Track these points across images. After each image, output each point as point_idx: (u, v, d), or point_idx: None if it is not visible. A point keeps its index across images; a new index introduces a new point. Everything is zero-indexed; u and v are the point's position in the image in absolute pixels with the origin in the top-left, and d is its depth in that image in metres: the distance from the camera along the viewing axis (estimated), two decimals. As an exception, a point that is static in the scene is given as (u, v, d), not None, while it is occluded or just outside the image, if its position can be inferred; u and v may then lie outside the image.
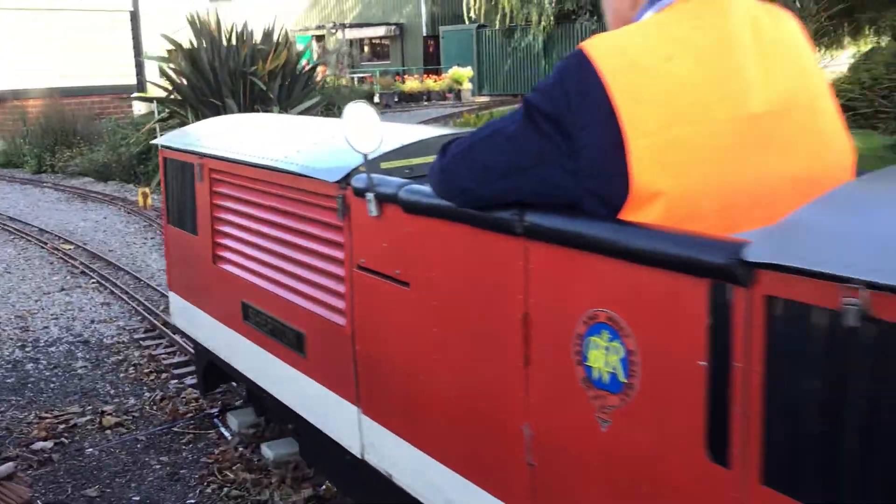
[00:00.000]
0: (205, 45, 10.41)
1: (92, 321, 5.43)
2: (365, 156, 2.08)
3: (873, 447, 1.09)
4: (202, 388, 3.87)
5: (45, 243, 7.78)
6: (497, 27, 28.96)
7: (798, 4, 8.51)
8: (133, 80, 15.64)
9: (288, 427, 3.39)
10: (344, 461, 2.48)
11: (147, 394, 4.22)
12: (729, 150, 1.45)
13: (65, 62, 15.45)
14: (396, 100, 26.77)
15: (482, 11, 28.06)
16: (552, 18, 27.21)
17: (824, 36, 19.14)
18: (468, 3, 28.04)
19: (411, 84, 28.01)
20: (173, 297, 3.81)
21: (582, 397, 1.53)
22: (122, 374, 4.51)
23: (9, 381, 4.48)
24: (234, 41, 10.61)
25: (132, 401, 4.15)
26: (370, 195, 2.10)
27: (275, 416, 3.25)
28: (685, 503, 1.36)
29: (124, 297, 5.84)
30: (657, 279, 1.36)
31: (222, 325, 3.25)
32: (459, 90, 28.12)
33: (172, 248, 3.73)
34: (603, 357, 1.49)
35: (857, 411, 1.11)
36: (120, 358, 4.75)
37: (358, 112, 2.08)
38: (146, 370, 4.53)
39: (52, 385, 4.41)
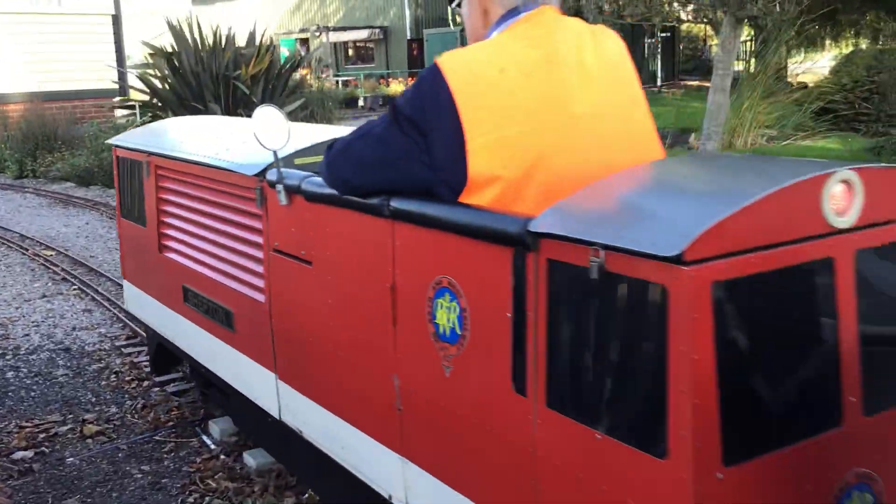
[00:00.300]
0: (186, 50, 10.36)
1: (73, 328, 5.39)
2: (274, 152, 2.42)
3: (617, 372, 1.47)
4: (153, 369, 4.25)
5: (27, 249, 7.72)
6: (481, 30, 28.86)
7: (778, 8, 8.57)
8: (115, 85, 15.53)
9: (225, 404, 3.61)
10: (267, 423, 2.86)
11: (128, 402, 4.19)
12: (552, 146, 1.77)
13: (46, 67, 15.35)
14: (381, 103, 26.74)
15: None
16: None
17: (805, 39, 19.27)
18: (449, 8, 27.97)
19: (396, 87, 28.00)
20: (127, 286, 4.13)
21: (432, 350, 1.90)
22: (103, 382, 4.48)
23: (-12, 389, 4.44)
24: (216, 45, 10.57)
25: (113, 409, 4.12)
26: (279, 187, 2.45)
27: (213, 394, 3.46)
28: (501, 427, 1.74)
29: (106, 303, 5.81)
30: (479, 249, 1.74)
31: (167, 309, 3.59)
32: (444, 93, 28.02)
33: (125, 239, 4.09)
34: (446, 315, 1.86)
35: (605, 345, 1.48)
36: (101, 365, 4.72)
37: (267, 114, 2.39)
38: (128, 378, 4.50)
39: (32, 393, 4.38)
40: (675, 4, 13.03)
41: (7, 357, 4.92)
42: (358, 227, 2.15)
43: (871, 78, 14.46)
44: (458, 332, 1.82)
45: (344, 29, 33.06)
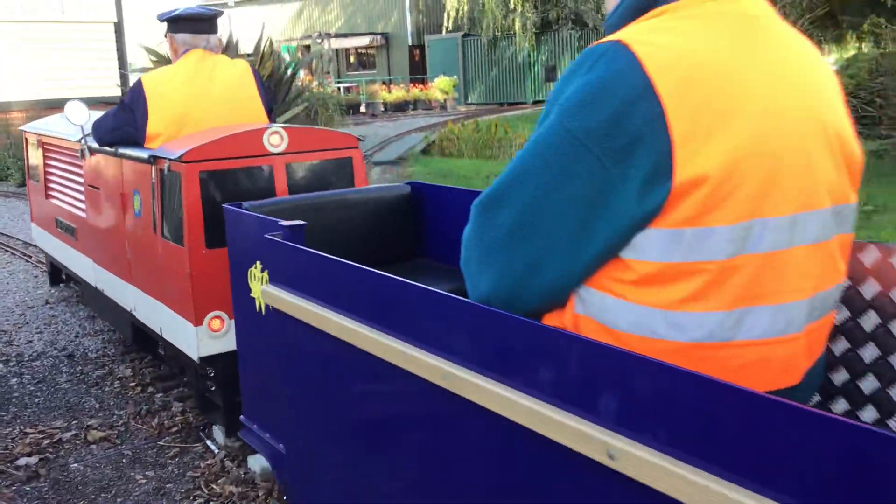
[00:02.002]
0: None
1: (76, 335, 5.39)
2: (81, 126, 4.36)
3: (173, 215, 3.51)
4: (50, 281, 6.25)
5: (30, 257, 7.72)
6: (482, 37, 29.02)
7: (781, 11, 8.57)
8: (119, 91, 15.57)
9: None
10: (91, 289, 4.91)
11: (132, 408, 4.18)
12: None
13: (48, 73, 15.37)
14: (382, 109, 26.77)
15: (465, 21, 28.12)
16: (535, 28, 27.29)
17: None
18: (450, 13, 28.09)
19: (397, 93, 28.02)
20: (33, 226, 6.16)
21: (133, 221, 3.90)
22: (107, 388, 4.47)
23: (-8, 396, 4.43)
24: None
25: (117, 415, 4.11)
26: (83, 145, 4.48)
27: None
28: (154, 254, 3.69)
29: (109, 309, 5.80)
30: (143, 167, 3.68)
31: (50, 235, 5.65)
32: (445, 99, 28.14)
33: (31, 194, 6.08)
34: (136, 203, 3.83)
35: (171, 203, 3.52)
36: (105, 371, 4.71)
37: (76, 104, 4.27)
38: (132, 384, 4.49)
39: (36, 400, 4.37)
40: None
41: (11, 364, 4.91)
42: (109, 165, 4.19)
43: (873, 81, 14.46)
44: (139, 211, 3.83)
45: (346, 35, 33.12)
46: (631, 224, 1.35)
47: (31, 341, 5.32)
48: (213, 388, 3.58)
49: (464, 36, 29.78)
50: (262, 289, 2.42)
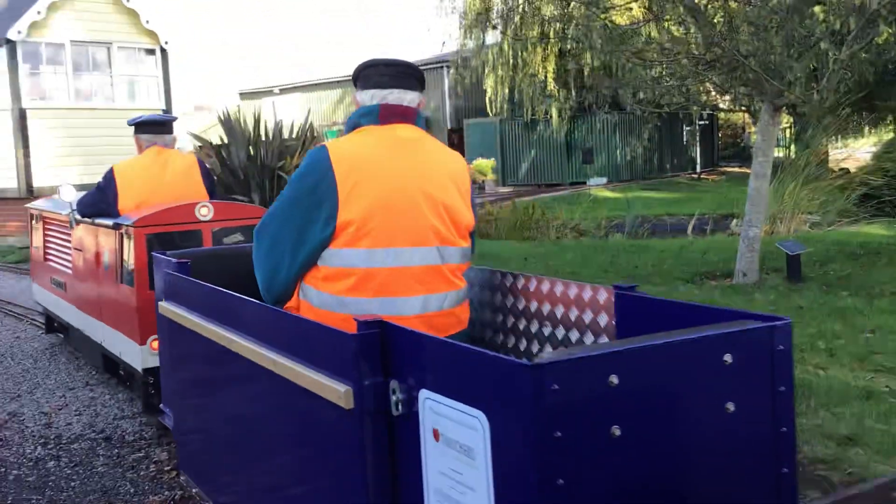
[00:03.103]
0: (236, 142, 10.67)
1: (115, 417, 5.42)
2: (70, 203, 5.75)
3: (119, 272, 5.20)
4: (46, 329, 7.66)
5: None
6: (520, 119, 29.43)
7: (817, 95, 8.60)
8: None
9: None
10: (71, 329, 6.59)
11: (167, 492, 4.17)
12: None
13: (90, 159, 15.82)
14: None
15: (504, 107, 28.58)
16: (572, 111, 27.62)
17: (847, 127, 19.23)
18: (490, 98, 28.59)
19: (436, 175, 28.25)
20: (33, 285, 7.72)
21: (104, 274, 5.45)
22: (142, 472, 4.47)
23: (29, 479, 4.45)
24: (262, 137, 10.87)
25: (152, 499, 4.09)
26: (71, 218, 5.84)
27: (64, 332, 7.09)
28: (116, 291, 5.22)
29: (148, 392, 5.83)
30: (112, 233, 5.22)
31: (47, 291, 7.07)
32: (483, 181, 28.42)
33: (32, 259, 7.58)
34: (105, 260, 5.36)
35: (119, 258, 5.19)
36: (141, 455, 4.72)
37: (67, 187, 5.83)
38: (167, 468, 4.48)
39: (72, 483, 4.38)
40: (713, 93, 13.16)
41: (49, 446, 4.95)
42: (88, 232, 5.69)
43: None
44: (107, 265, 5.27)
45: (386, 120, 33.78)
46: (320, 245, 2.53)
47: (70, 423, 5.36)
48: (153, 392, 4.85)
49: (502, 119, 30.27)
50: (160, 304, 3.46)
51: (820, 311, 7.41)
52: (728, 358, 1.83)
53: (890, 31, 8.19)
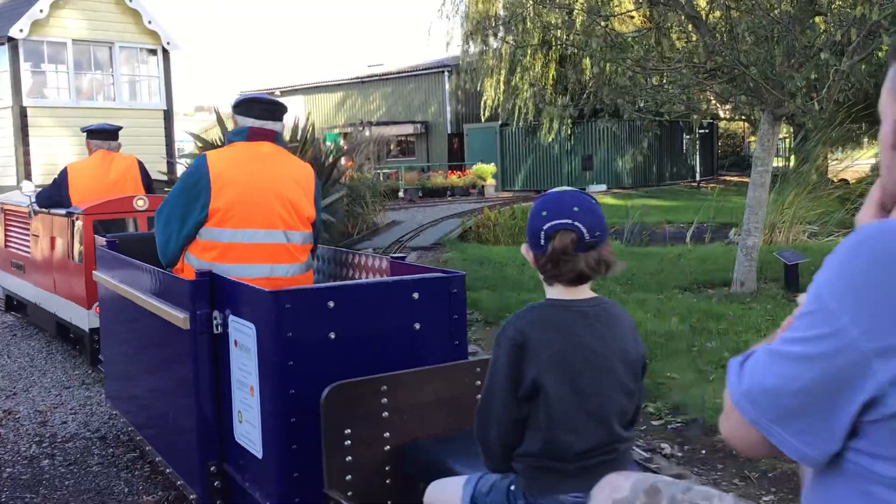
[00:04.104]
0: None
1: (110, 416, 5.41)
2: (30, 196, 6.98)
3: (64, 251, 6.54)
4: (4, 308, 8.74)
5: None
6: (520, 126, 29.43)
7: (816, 106, 8.61)
8: (164, 176, 16.02)
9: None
10: (51, 318, 7.06)
11: (161, 492, 4.16)
12: None
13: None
14: (420, 195, 27.07)
15: (502, 112, 28.57)
16: (571, 118, 27.62)
17: (844, 136, 19.26)
18: (487, 102, 28.58)
19: (436, 179, 28.35)
20: None
21: (58, 255, 6.69)
22: (136, 472, 4.46)
23: (23, 477, 4.44)
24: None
25: (146, 499, 4.09)
26: (30, 209, 7.03)
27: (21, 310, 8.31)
28: (68, 265, 6.45)
29: (144, 391, 5.83)
30: (62, 219, 6.47)
31: (8, 274, 8.17)
32: (483, 186, 28.41)
33: None
34: (59, 244, 6.58)
35: (56, 242, 6.74)
36: (136, 454, 4.71)
37: (27, 182, 7.21)
38: (161, 467, 4.47)
39: (66, 482, 4.37)
40: (713, 102, 13.18)
41: (44, 444, 4.94)
42: (45, 220, 6.83)
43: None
44: (60, 247, 6.50)
45: (386, 124, 33.86)
46: (197, 225, 3.56)
47: (65, 422, 5.35)
48: (97, 348, 5.80)
49: (502, 125, 30.29)
50: (94, 273, 4.78)
51: (817, 321, 7.40)
52: (416, 295, 3.07)
53: (891, 42, 8.20)
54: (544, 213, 2.07)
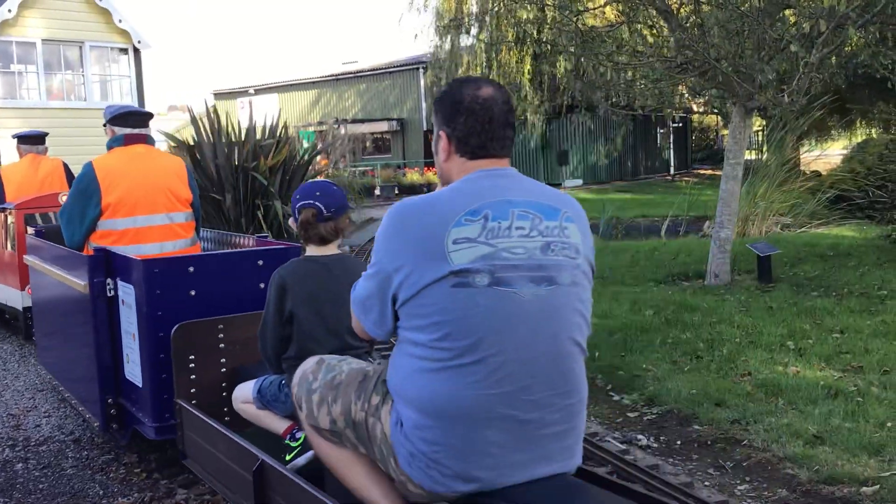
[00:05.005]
0: (206, 142, 10.60)
1: (84, 420, 5.36)
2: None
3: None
4: None
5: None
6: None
7: (787, 99, 8.69)
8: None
9: None
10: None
11: (136, 494, 4.13)
12: None
13: (70, 159, 15.67)
14: (396, 192, 27.02)
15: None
16: (546, 115, 27.66)
17: (816, 128, 19.43)
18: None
19: (412, 177, 28.32)
20: None
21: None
22: (111, 474, 4.43)
23: (-4, 482, 4.39)
24: (235, 138, 10.80)
25: (121, 501, 4.06)
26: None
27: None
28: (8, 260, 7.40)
29: (118, 393, 5.77)
30: (1, 215, 7.42)
31: None
32: (459, 182, 28.27)
33: None
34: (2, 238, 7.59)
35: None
36: (110, 457, 4.68)
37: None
38: (136, 469, 4.45)
39: (41, 486, 4.33)
40: (686, 96, 13.27)
41: (17, 448, 4.89)
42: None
43: (884, 166, 14.53)
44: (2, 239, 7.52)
45: (362, 121, 33.74)
46: (94, 219, 4.45)
47: (38, 425, 5.30)
48: (31, 325, 6.51)
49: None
50: (25, 257, 5.55)
51: (790, 311, 7.50)
52: (261, 262, 4.01)
53: (859, 35, 8.30)
54: (298, 196, 3.08)
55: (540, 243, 2.08)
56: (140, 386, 3.94)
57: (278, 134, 11.38)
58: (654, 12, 9.00)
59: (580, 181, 29.09)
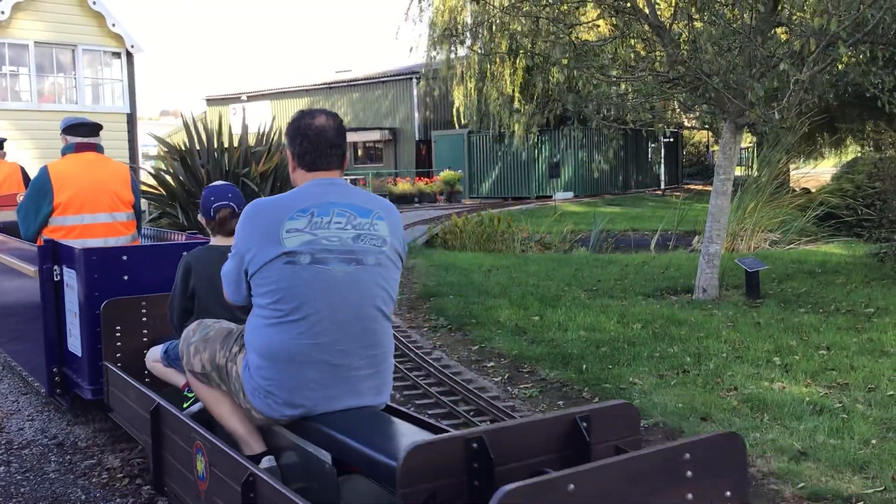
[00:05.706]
0: (197, 148, 10.58)
1: (68, 423, 5.33)
2: None
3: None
4: None
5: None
6: (488, 133, 29.48)
7: (778, 115, 8.75)
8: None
9: None
10: None
11: (118, 499, 4.10)
12: None
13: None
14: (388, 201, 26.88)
15: (472, 120, 28.59)
16: (539, 126, 27.71)
17: (806, 146, 19.53)
18: (459, 109, 28.60)
19: (403, 186, 28.32)
20: None
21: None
22: (94, 479, 4.39)
23: (-23, 485, 4.35)
24: (226, 144, 10.79)
25: (103, 507, 4.02)
26: None
27: None
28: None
29: (103, 398, 5.74)
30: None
31: None
32: (451, 192, 28.41)
33: None
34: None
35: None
36: (93, 462, 4.64)
37: None
38: (119, 475, 4.41)
39: (22, 489, 4.29)
40: (678, 111, 13.33)
41: (-1, 451, 4.85)
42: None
43: (872, 184, 14.61)
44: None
45: (355, 130, 33.75)
46: (46, 216, 5.14)
47: (21, 428, 5.26)
48: None
49: (469, 132, 30.36)
50: None
51: (777, 327, 7.52)
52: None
53: (849, 53, 8.36)
54: (212, 198, 3.76)
55: (352, 234, 2.77)
56: (80, 356, 4.63)
57: (270, 141, 11.37)
58: (648, 27, 9.05)
59: (571, 194, 29.15)
